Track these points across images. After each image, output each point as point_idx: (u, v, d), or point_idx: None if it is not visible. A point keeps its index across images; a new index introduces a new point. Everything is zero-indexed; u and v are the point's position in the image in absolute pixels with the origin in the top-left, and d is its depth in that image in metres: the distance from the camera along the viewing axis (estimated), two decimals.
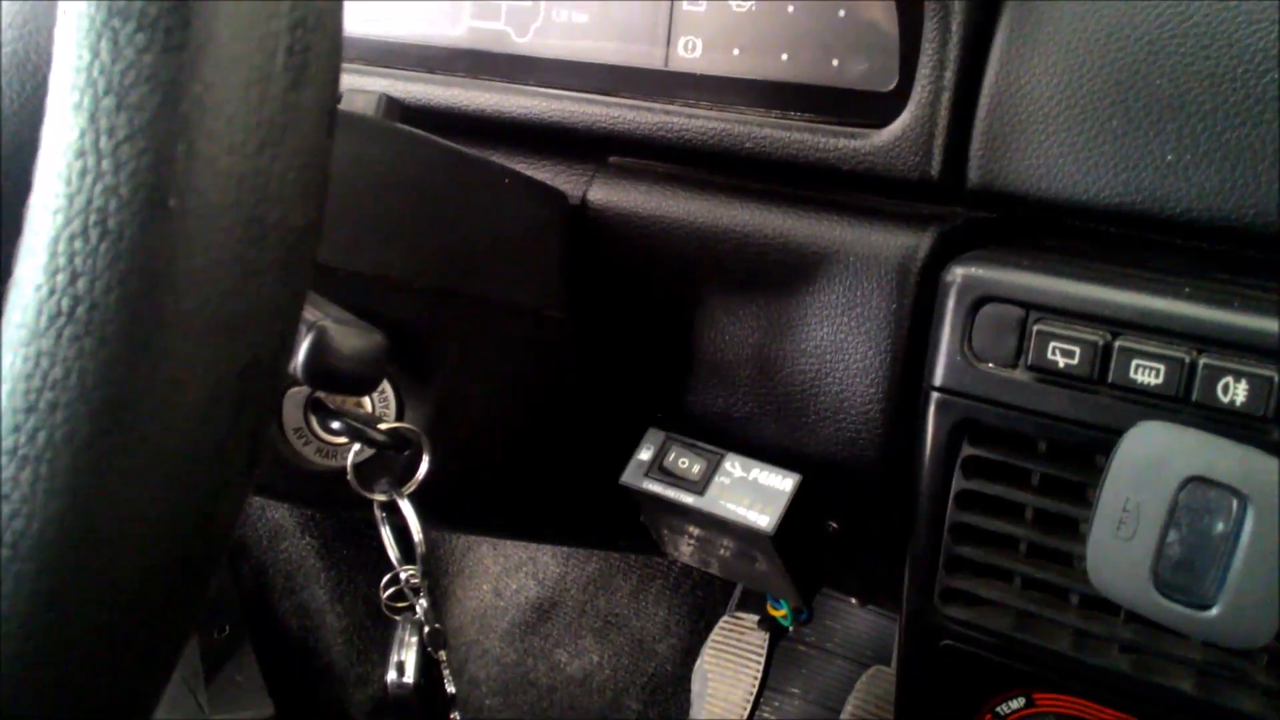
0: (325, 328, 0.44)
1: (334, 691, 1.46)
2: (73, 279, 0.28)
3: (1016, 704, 0.57)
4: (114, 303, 0.28)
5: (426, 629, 0.64)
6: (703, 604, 1.51)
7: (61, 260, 0.28)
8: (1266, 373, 0.47)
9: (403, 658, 0.64)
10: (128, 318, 0.28)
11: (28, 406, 0.28)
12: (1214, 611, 0.45)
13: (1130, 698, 0.53)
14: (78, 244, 0.28)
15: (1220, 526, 0.45)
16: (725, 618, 1.49)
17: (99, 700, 0.31)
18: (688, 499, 0.67)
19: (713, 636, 1.48)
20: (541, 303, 0.67)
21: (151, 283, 0.28)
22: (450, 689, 0.64)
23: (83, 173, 0.28)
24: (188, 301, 0.29)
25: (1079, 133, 0.54)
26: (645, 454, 0.69)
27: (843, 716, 1.35)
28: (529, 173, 0.69)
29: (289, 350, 0.33)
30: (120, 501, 0.29)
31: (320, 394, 0.61)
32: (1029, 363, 0.52)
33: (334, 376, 0.45)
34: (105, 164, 0.28)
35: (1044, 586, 0.55)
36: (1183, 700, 0.52)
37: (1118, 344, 0.50)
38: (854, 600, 1.44)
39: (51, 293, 0.28)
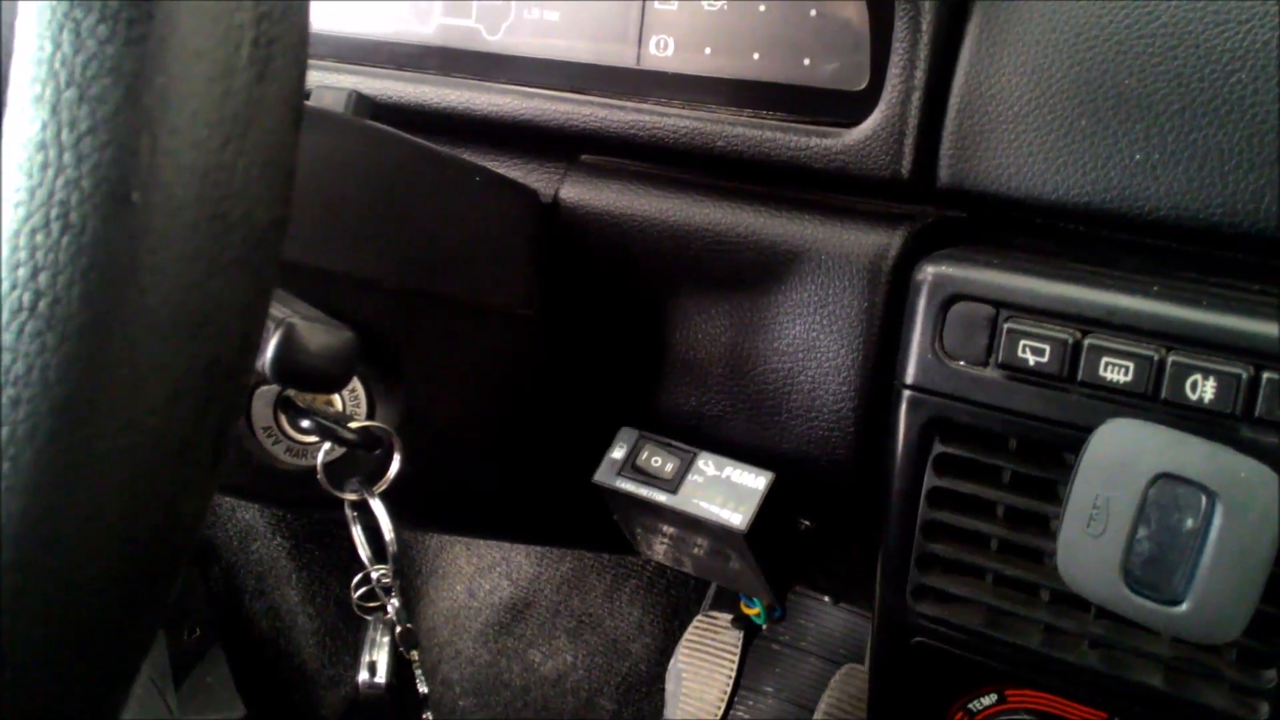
0: (294, 325, 0.44)
1: (306, 693, 1.45)
2: (34, 273, 0.28)
3: (988, 700, 0.57)
4: (76, 297, 0.28)
5: (398, 629, 0.63)
6: (677, 603, 1.51)
7: (23, 254, 0.28)
8: (1235, 370, 0.47)
9: (375, 658, 0.63)
10: (90, 313, 0.28)
11: None
12: (1183, 607, 0.45)
13: (1101, 693, 0.54)
14: (39, 238, 0.28)
15: (1189, 523, 0.45)
16: (699, 617, 1.49)
17: (64, 701, 0.31)
18: (661, 497, 0.67)
19: (687, 636, 1.48)
20: (512, 302, 0.67)
21: (114, 277, 0.28)
22: (423, 689, 0.64)
23: (44, 165, 0.28)
24: (151, 297, 0.29)
25: (1048, 132, 0.54)
26: (618, 452, 0.69)
27: (816, 715, 1.36)
28: (500, 171, 0.69)
29: (254, 348, 0.33)
30: (83, 498, 0.29)
31: (290, 392, 0.61)
32: (999, 361, 0.52)
33: (303, 374, 0.44)
34: (67, 157, 0.28)
35: (1015, 583, 0.55)
36: (1152, 695, 0.52)
37: (1087, 342, 0.50)
38: (827, 598, 1.45)
39: (13, 287, 0.28)
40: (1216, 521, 0.44)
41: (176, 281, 0.29)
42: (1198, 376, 0.48)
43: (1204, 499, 0.45)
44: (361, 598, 0.65)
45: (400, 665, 0.64)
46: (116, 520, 0.30)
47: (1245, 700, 0.50)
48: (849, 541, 0.68)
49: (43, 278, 0.28)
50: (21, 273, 0.28)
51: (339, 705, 1.47)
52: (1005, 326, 0.52)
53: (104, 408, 0.29)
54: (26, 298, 0.28)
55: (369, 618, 0.65)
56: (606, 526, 0.74)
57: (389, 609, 0.64)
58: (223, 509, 1.38)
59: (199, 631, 1.38)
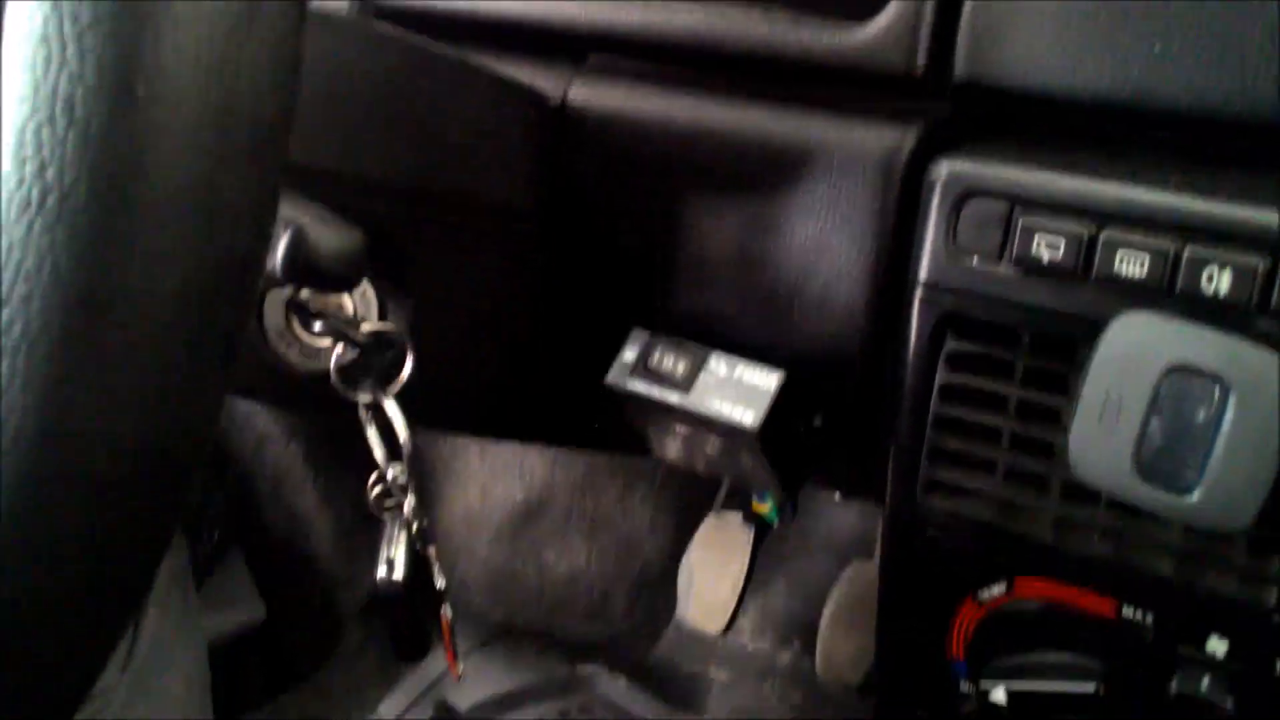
0: (303, 225, 0.44)
1: (324, 593, 1.48)
2: (41, 169, 0.27)
3: (998, 589, 0.58)
4: (84, 192, 0.27)
5: (414, 526, 0.64)
6: (688, 503, 1.52)
7: (29, 149, 0.27)
8: (1251, 262, 0.47)
9: (392, 555, 0.64)
10: (98, 208, 0.28)
11: (2, 299, 0.27)
12: (1195, 496, 0.45)
13: (1110, 581, 0.54)
14: (45, 133, 0.27)
15: (1202, 414, 0.45)
16: (710, 516, 1.51)
17: (86, 594, 0.32)
18: (673, 398, 0.67)
19: (698, 535, 1.50)
20: (521, 205, 0.66)
21: (121, 171, 0.28)
22: (440, 583, 0.65)
23: (47, 59, 0.28)
24: (159, 191, 0.28)
25: (1066, 24, 0.53)
26: (630, 354, 0.69)
27: (826, 610, 1.38)
28: (507, 73, 0.68)
29: (264, 244, 0.33)
30: (98, 394, 0.29)
31: (301, 295, 0.61)
32: (1014, 256, 0.52)
33: (313, 273, 0.44)
34: (70, 50, 0.28)
35: (1026, 476, 0.56)
36: (1162, 582, 0.53)
37: (1102, 236, 0.50)
38: (837, 495, 1.46)
39: (20, 182, 0.27)
40: (1229, 412, 0.44)
41: (184, 175, 0.29)
42: (1214, 268, 0.47)
43: (1217, 390, 0.45)
44: (378, 497, 0.66)
45: (417, 561, 0.65)
46: (132, 415, 0.30)
47: (1254, 586, 0.51)
48: (860, 438, 0.69)
49: (50, 173, 0.27)
50: (29, 168, 0.27)
51: (357, 605, 1.50)
52: (1020, 222, 0.52)
53: (116, 303, 0.29)
54: (35, 193, 0.27)
55: (385, 516, 0.66)
56: (619, 426, 0.74)
57: (405, 507, 0.65)
58: (237, 416, 1.39)
59: (217, 536, 1.41)
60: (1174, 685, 0.53)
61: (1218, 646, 0.53)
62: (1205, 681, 0.53)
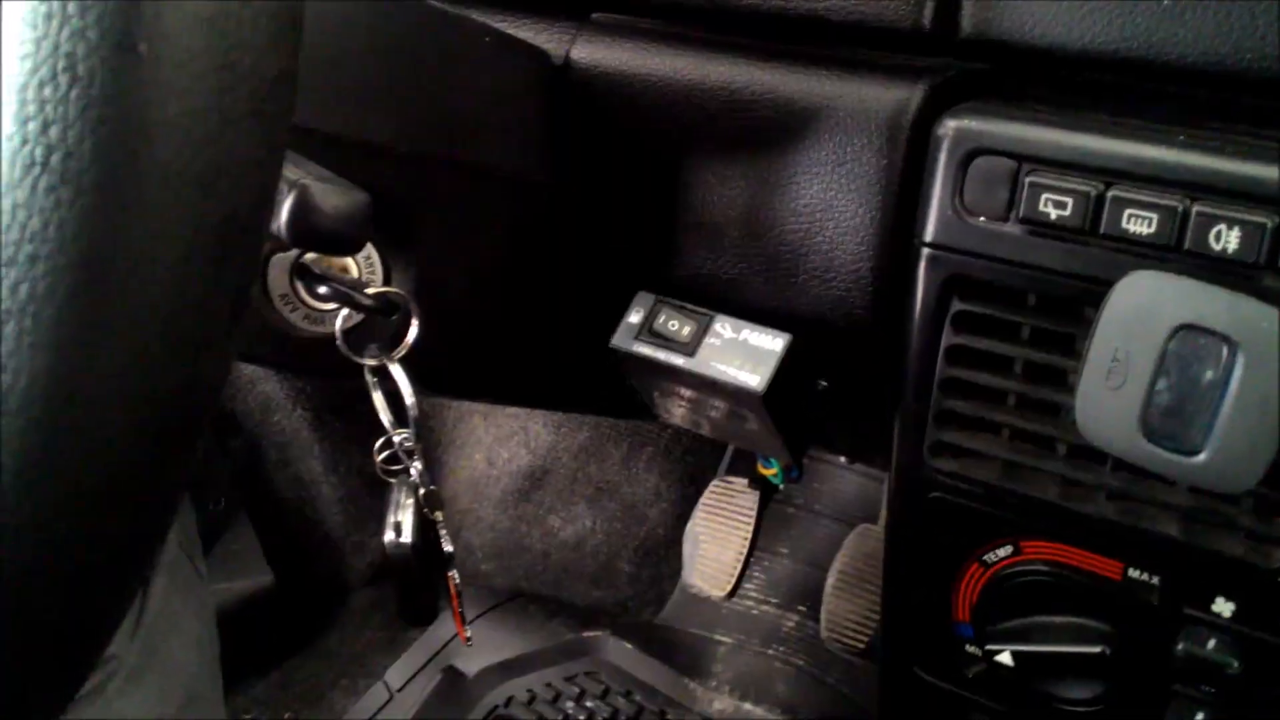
0: (307, 185, 0.43)
1: (332, 560, 1.49)
2: (45, 127, 0.27)
3: (1003, 552, 0.58)
4: (88, 151, 0.27)
5: (422, 491, 0.65)
6: (693, 469, 1.53)
7: (32, 108, 0.27)
8: (1259, 219, 0.46)
9: (399, 519, 0.64)
10: (103, 166, 0.28)
11: (7, 259, 0.27)
12: (1201, 457, 0.45)
13: (1116, 543, 0.54)
14: (47, 91, 0.27)
15: (1209, 374, 0.45)
16: (715, 481, 1.51)
17: (96, 557, 0.32)
18: (678, 361, 0.67)
19: (703, 500, 1.50)
20: (524, 165, 0.66)
21: (125, 130, 0.28)
22: (448, 548, 0.65)
23: (48, 16, 0.27)
24: (163, 150, 0.28)
25: None
26: (635, 317, 0.69)
27: (831, 573, 1.39)
28: (509, 31, 0.67)
29: (269, 204, 0.32)
30: (105, 355, 0.29)
31: (306, 259, 0.60)
32: (1021, 215, 0.52)
33: (317, 235, 0.44)
34: (71, 7, 0.27)
35: (1032, 437, 0.55)
36: (1168, 544, 0.53)
37: (1110, 194, 0.49)
38: (843, 459, 1.47)
39: (24, 142, 0.27)
40: (1238, 371, 0.44)
41: (187, 134, 0.29)
42: (1222, 226, 0.47)
43: (1225, 349, 0.44)
44: (384, 461, 0.66)
45: (424, 525, 0.65)
46: (138, 377, 0.30)
47: (1260, 547, 0.51)
48: (866, 401, 0.69)
49: (53, 132, 0.27)
50: (32, 127, 0.27)
51: (365, 571, 1.50)
52: (1027, 180, 0.51)
53: (122, 263, 0.28)
54: (39, 152, 0.27)
55: (392, 481, 0.66)
56: (624, 391, 0.74)
57: (412, 471, 0.65)
58: (242, 381, 1.39)
59: (224, 502, 1.41)
60: (1180, 646, 0.54)
61: (1224, 608, 0.53)
62: (1211, 643, 0.53)
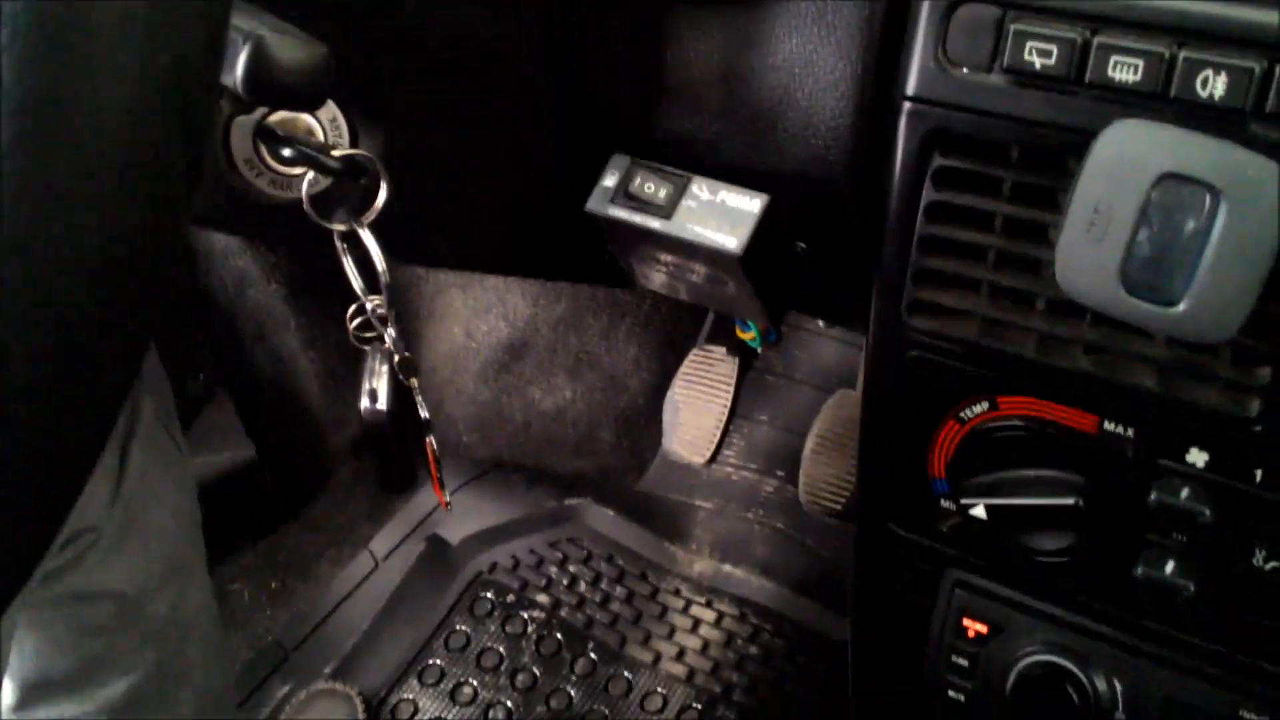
0: (263, 37, 0.42)
1: (313, 433, 1.49)
2: None
3: (980, 408, 0.58)
4: None
5: (396, 357, 0.64)
6: (673, 339, 1.53)
7: None
8: (1247, 63, 0.45)
9: (375, 385, 0.64)
10: (39, 8, 0.26)
11: None
12: (1181, 307, 0.45)
13: (1092, 397, 0.54)
14: None
15: (1191, 224, 0.44)
16: (695, 350, 1.52)
17: (61, 404, 0.31)
18: (655, 223, 0.66)
19: (683, 369, 1.51)
20: (495, 23, 0.64)
21: None
22: (424, 414, 0.65)
23: None
24: None
25: None
26: (610, 180, 0.67)
27: (809, 438, 1.40)
28: None
29: (219, 49, 0.31)
30: (56, 206, 0.28)
31: (269, 121, 0.59)
32: (1005, 65, 0.50)
33: (275, 89, 0.43)
34: None
35: (1011, 294, 0.55)
36: (1144, 396, 0.53)
37: (1096, 40, 0.48)
38: (821, 322, 1.47)
39: None
40: (1220, 220, 0.43)
41: None
42: (1209, 72, 0.46)
43: (1208, 198, 0.44)
44: (357, 329, 0.65)
45: (401, 393, 0.65)
46: (93, 229, 0.29)
47: (1237, 398, 0.51)
48: (844, 262, 0.68)
49: None
50: None
51: (346, 445, 1.51)
52: (1012, 28, 0.50)
53: (67, 109, 0.27)
54: None
55: (366, 348, 0.66)
56: (602, 258, 0.73)
57: (386, 339, 0.64)
58: (215, 255, 1.37)
59: (202, 377, 1.41)
60: (1153, 497, 0.54)
61: (1198, 458, 0.53)
62: (1184, 492, 0.54)
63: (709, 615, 1.29)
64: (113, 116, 0.28)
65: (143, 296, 0.32)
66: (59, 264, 0.28)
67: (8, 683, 0.72)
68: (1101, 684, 0.61)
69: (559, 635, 1.28)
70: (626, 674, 1.24)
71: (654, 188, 0.66)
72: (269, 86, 0.42)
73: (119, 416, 0.34)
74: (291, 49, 0.42)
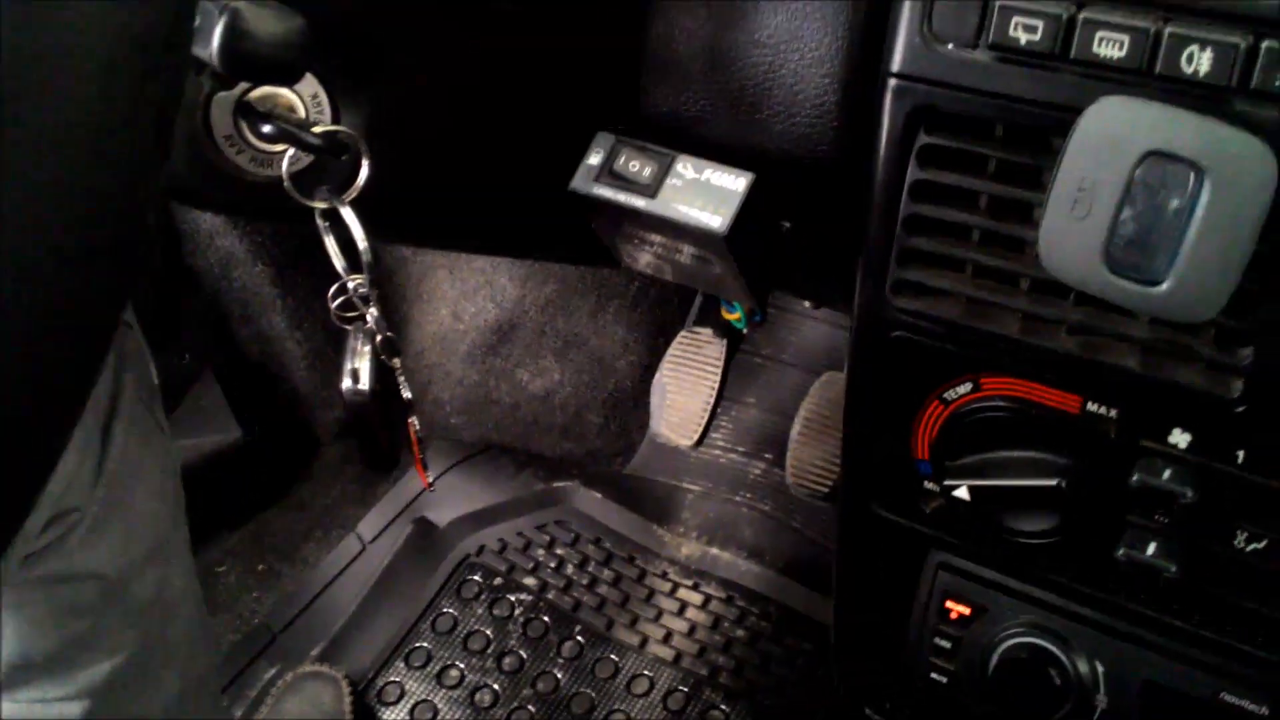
0: (239, 9, 0.41)
1: (300, 415, 1.49)
2: None
3: (963, 389, 0.58)
4: None
5: (378, 337, 0.64)
6: (660, 321, 1.52)
7: None
8: (1233, 39, 0.45)
9: (356, 365, 0.64)
10: None
11: None
12: (1164, 286, 0.44)
13: (1075, 377, 0.54)
14: None
15: (1175, 202, 0.44)
16: (682, 333, 1.51)
17: (30, 375, 0.31)
18: (639, 202, 0.65)
19: (670, 351, 1.50)
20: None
21: None
22: (407, 394, 0.65)
23: None
24: None
25: None
26: (594, 158, 0.67)
27: (796, 421, 1.40)
28: None
29: (187, 19, 0.31)
30: (30, 168, 0.27)
31: (249, 98, 0.58)
32: (990, 41, 0.50)
33: (251, 61, 0.42)
34: None
35: (995, 273, 0.55)
36: (1127, 377, 0.53)
37: (1082, 16, 0.48)
38: (807, 304, 1.47)
39: None
40: (1204, 198, 0.43)
41: None
42: (1194, 48, 0.46)
43: (1192, 176, 0.43)
44: (339, 309, 0.64)
45: (383, 373, 0.64)
46: (66, 193, 0.28)
47: (1219, 377, 0.51)
48: (829, 242, 0.68)
49: None
50: None
51: (334, 426, 1.51)
52: (997, 4, 0.50)
53: (41, 77, 0.27)
54: None
55: (349, 328, 0.65)
56: (587, 237, 0.73)
57: (368, 318, 0.64)
58: (201, 236, 1.37)
59: (188, 358, 1.40)
60: (1135, 478, 0.54)
61: (1180, 439, 0.53)
62: (1167, 473, 0.53)
63: (696, 598, 1.29)
64: (83, 84, 0.28)
65: (112, 267, 0.31)
66: (26, 232, 0.28)
67: None
68: (1083, 666, 0.61)
69: (546, 618, 1.28)
70: (613, 657, 1.24)
71: (639, 166, 0.66)
72: (246, 59, 0.42)
73: (94, 391, 0.34)
74: (268, 21, 0.42)
